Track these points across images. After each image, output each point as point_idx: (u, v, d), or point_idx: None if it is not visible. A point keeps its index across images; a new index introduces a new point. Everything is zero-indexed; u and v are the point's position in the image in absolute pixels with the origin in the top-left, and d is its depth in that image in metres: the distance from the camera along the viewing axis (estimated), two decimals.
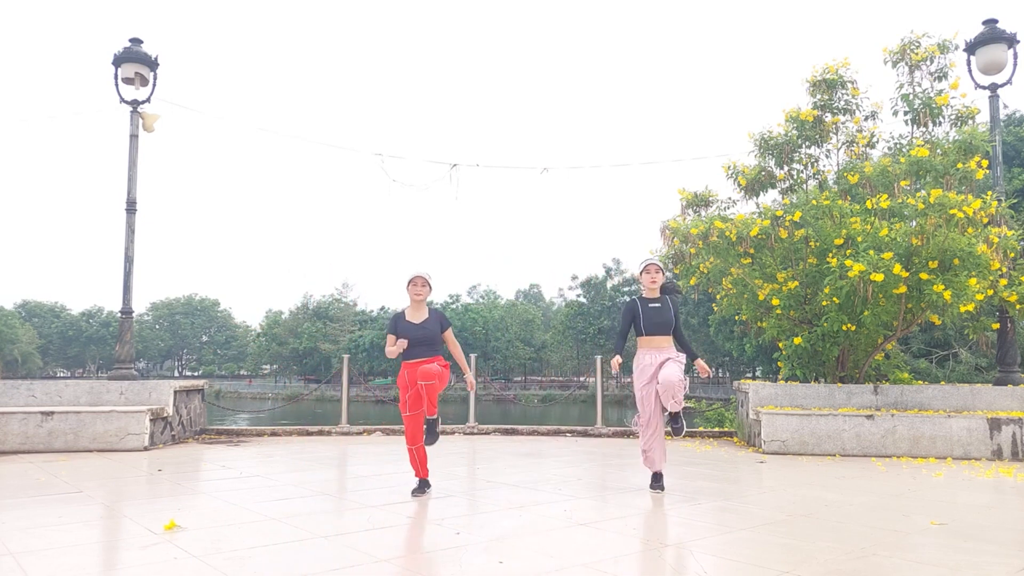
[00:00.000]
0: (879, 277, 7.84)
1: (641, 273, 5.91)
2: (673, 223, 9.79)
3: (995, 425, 7.94)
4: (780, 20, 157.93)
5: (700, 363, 5.83)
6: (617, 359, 5.78)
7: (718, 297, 10.61)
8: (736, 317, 10.73)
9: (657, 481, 5.83)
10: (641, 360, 5.80)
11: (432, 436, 5.57)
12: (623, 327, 5.87)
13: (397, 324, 5.65)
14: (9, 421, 8.06)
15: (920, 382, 10.88)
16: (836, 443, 8.11)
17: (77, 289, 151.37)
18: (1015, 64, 9.41)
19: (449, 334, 5.73)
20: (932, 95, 9.57)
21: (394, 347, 5.52)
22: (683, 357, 5.77)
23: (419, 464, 5.68)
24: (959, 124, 9.57)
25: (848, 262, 8.09)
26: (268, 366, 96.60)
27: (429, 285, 5.69)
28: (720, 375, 66.41)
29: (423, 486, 5.66)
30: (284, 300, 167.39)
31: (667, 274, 5.99)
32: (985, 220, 8.30)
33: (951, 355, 18.91)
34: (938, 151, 9.08)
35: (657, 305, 5.80)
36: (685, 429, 5.80)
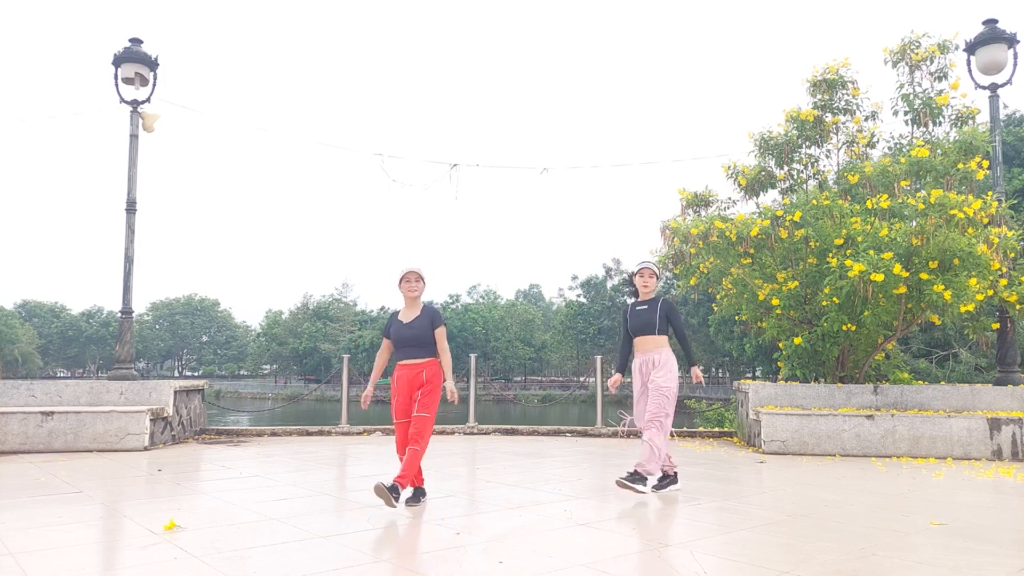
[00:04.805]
0: (879, 277, 7.84)
1: (635, 275, 5.92)
2: (673, 223, 9.79)
3: (995, 425, 7.94)
4: (780, 20, 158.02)
5: (696, 371, 5.82)
6: (616, 378, 5.82)
7: (718, 297, 10.61)
8: (736, 317, 10.73)
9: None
10: (635, 361, 5.87)
11: (391, 495, 4.80)
12: (622, 333, 5.94)
13: (390, 325, 5.41)
14: (9, 421, 8.06)
15: (920, 382, 10.87)
16: (836, 443, 8.11)
17: (77, 289, 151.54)
18: (1015, 64, 9.41)
19: (440, 334, 5.27)
20: (932, 95, 9.58)
21: (380, 353, 5.47)
22: (673, 362, 5.73)
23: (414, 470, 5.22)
24: (959, 124, 9.57)
25: (848, 262, 8.09)
26: (268, 366, 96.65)
27: (423, 280, 5.35)
28: (720, 375, 66.39)
29: (418, 495, 5.27)
30: (284, 300, 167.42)
31: (664, 275, 5.96)
32: (985, 220, 8.30)
33: (951, 355, 18.92)
34: (938, 151, 9.08)
35: (644, 307, 5.83)
36: (637, 486, 5.43)
